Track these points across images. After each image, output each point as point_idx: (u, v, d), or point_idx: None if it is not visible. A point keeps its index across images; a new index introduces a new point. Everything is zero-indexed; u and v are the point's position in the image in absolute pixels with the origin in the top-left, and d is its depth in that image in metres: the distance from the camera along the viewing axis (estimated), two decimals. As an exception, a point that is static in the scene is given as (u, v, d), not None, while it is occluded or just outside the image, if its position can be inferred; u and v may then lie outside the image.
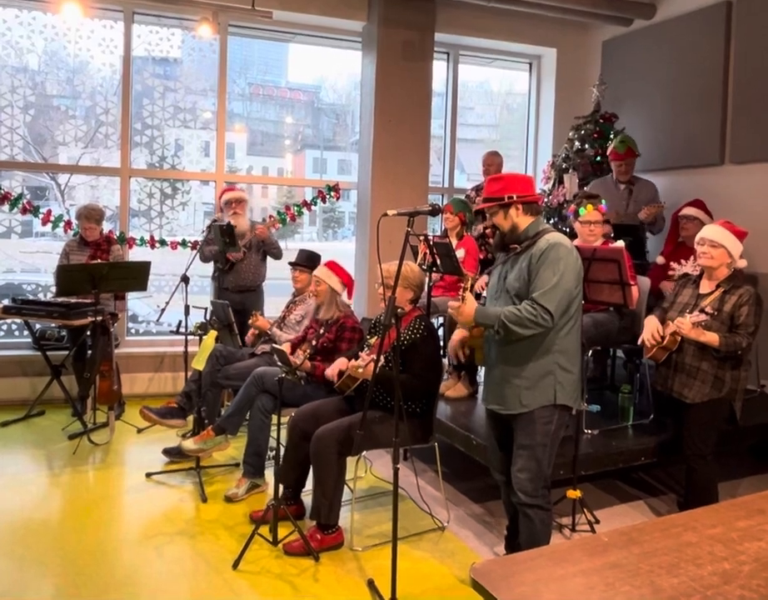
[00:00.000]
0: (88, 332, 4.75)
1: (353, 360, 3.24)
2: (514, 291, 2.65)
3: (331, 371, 3.44)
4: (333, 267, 3.87)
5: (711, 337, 3.15)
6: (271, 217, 5.71)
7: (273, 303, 5.29)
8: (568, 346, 2.65)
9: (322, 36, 6.14)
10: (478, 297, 4.57)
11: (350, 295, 3.95)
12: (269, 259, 5.33)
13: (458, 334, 3.02)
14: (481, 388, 4.37)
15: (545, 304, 2.50)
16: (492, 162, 5.56)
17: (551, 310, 2.51)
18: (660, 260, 4.72)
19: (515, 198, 2.66)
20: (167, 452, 4.18)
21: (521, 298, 2.61)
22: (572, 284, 2.59)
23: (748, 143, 5.04)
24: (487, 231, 5.33)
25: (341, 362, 3.43)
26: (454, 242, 4.53)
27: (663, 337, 3.30)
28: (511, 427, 2.74)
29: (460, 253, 4.41)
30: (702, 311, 3.15)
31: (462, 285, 2.64)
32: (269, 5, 5.42)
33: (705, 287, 3.36)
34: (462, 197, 5.64)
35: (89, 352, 4.82)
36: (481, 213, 5.34)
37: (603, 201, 3.96)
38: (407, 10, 5.81)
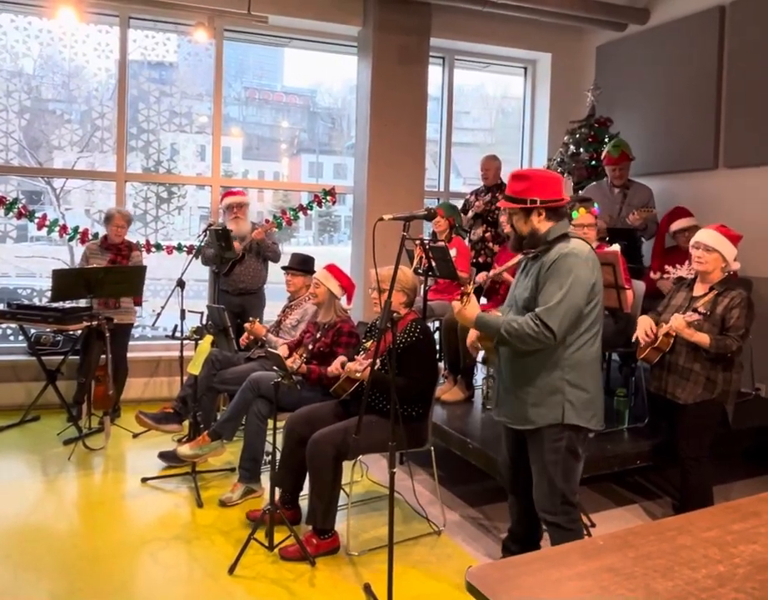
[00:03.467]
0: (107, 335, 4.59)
1: (350, 363, 3.24)
2: (522, 302, 2.51)
3: (334, 366, 3.42)
4: (333, 270, 3.86)
5: (702, 338, 3.18)
6: (267, 220, 5.71)
7: (271, 307, 5.28)
8: (580, 361, 2.47)
9: (318, 41, 6.16)
10: (480, 290, 4.59)
11: (349, 300, 3.94)
12: (271, 262, 5.32)
13: (474, 332, 2.73)
14: (478, 393, 4.40)
15: (547, 321, 2.35)
16: (490, 166, 5.54)
17: (554, 328, 2.35)
18: (654, 276, 4.69)
19: (538, 203, 2.45)
20: (162, 455, 4.17)
21: (529, 311, 2.45)
22: (581, 298, 2.40)
23: (742, 147, 5.06)
24: (487, 235, 5.34)
25: (341, 358, 3.42)
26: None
27: (656, 337, 3.32)
28: (525, 442, 2.63)
29: (451, 253, 4.42)
30: (695, 311, 3.17)
31: (463, 288, 2.50)
32: (265, 10, 5.42)
33: (699, 289, 3.39)
34: (458, 202, 5.65)
35: (102, 356, 4.68)
36: (480, 217, 5.35)
37: (596, 204, 3.97)
38: (403, 15, 5.83)
